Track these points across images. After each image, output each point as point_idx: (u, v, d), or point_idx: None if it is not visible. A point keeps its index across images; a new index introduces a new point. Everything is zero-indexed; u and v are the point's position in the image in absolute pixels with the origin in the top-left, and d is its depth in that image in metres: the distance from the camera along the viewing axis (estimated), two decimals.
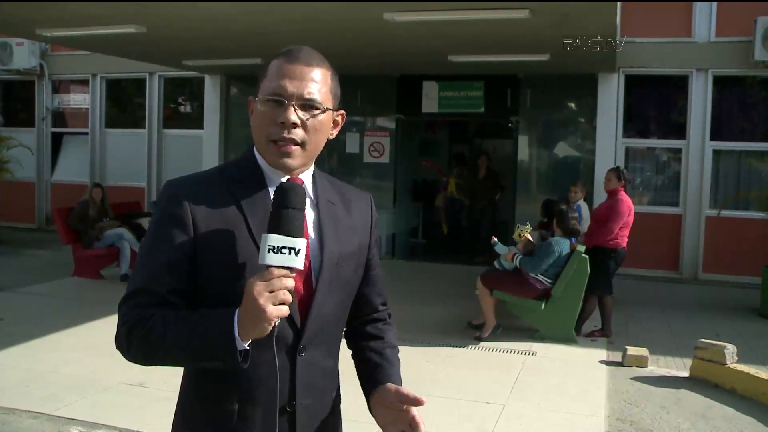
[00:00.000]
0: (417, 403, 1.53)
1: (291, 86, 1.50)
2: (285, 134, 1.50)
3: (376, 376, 1.69)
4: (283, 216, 1.39)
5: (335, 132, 1.63)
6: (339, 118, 1.63)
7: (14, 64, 13.16)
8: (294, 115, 1.49)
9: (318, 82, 1.53)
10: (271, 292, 1.34)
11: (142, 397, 4.84)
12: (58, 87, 14.04)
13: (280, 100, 1.50)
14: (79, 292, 8.47)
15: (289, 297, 1.36)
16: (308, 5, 6.18)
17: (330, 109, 1.57)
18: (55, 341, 6.23)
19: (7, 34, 11.90)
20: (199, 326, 1.41)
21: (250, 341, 1.39)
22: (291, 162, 1.53)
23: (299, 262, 1.38)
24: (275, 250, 1.36)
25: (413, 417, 1.54)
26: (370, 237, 1.74)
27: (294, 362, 1.54)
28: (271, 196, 1.54)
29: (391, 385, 1.62)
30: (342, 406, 1.74)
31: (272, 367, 1.48)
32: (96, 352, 5.77)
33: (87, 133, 13.59)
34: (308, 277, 1.53)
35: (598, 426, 4.71)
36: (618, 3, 6.35)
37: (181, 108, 13.65)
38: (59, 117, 14.09)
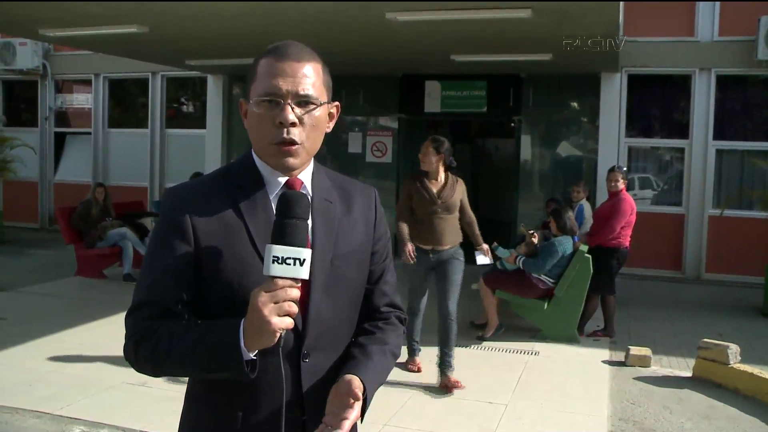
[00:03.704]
0: (350, 396, 1.44)
1: (284, 84, 1.47)
2: (284, 135, 1.47)
3: (347, 367, 1.56)
4: (287, 226, 1.37)
5: (331, 125, 1.61)
6: (334, 111, 1.60)
7: (17, 64, 13.19)
8: (291, 114, 1.47)
9: (311, 77, 1.50)
10: (275, 303, 1.32)
11: (145, 397, 4.85)
12: (61, 87, 14.06)
13: (275, 100, 1.47)
14: (81, 291, 8.48)
15: (294, 308, 1.34)
16: (310, 5, 6.18)
17: (325, 103, 1.54)
18: (58, 341, 6.24)
19: (10, 34, 11.91)
20: (205, 338, 1.40)
21: (257, 351, 1.38)
22: (293, 161, 1.51)
23: (304, 273, 1.36)
24: (280, 261, 1.34)
25: (344, 419, 1.42)
26: (374, 232, 1.69)
27: (298, 368, 1.52)
28: (271, 200, 1.52)
29: (349, 376, 1.50)
30: None
31: (276, 375, 1.45)
32: (99, 351, 5.77)
33: (90, 133, 13.61)
34: (305, 281, 1.48)
35: (601, 426, 4.71)
36: (621, 3, 6.34)
37: (184, 108, 13.66)
38: (62, 117, 14.11)
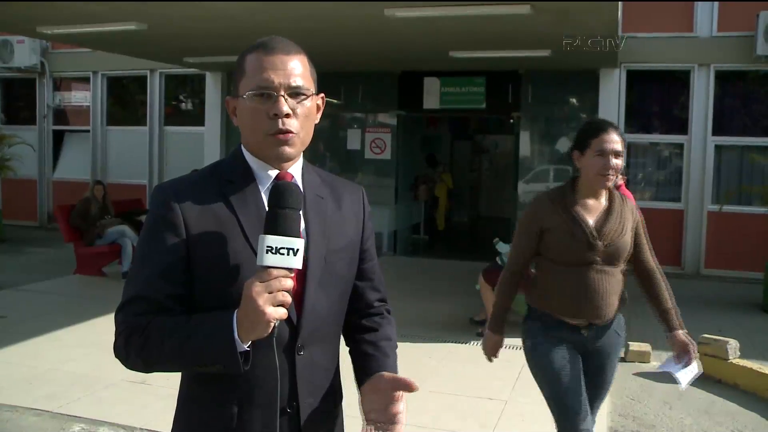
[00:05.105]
0: (411, 388, 1.51)
1: (276, 77, 1.49)
2: (280, 126, 1.49)
3: (370, 366, 1.65)
4: (280, 216, 1.38)
5: (319, 116, 1.63)
6: (320, 102, 1.63)
7: (15, 61, 13.16)
8: (285, 105, 1.49)
9: (300, 69, 1.53)
10: (269, 293, 1.33)
11: (144, 395, 4.86)
12: (60, 85, 14.04)
13: (269, 93, 1.49)
14: (81, 289, 8.47)
15: (288, 298, 1.36)
16: (309, 3, 6.17)
17: (313, 94, 1.57)
18: (57, 338, 6.24)
19: (8, 31, 11.89)
20: (197, 331, 1.40)
21: (250, 342, 1.38)
22: (290, 150, 1.52)
23: (297, 262, 1.37)
24: (273, 251, 1.35)
25: (397, 413, 1.51)
26: (363, 230, 1.72)
27: (293, 362, 1.53)
28: (262, 195, 1.53)
29: (386, 373, 1.59)
30: (343, 402, 1.73)
31: (271, 368, 1.46)
32: (98, 349, 5.77)
33: (88, 131, 13.60)
34: (300, 275, 1.50)
35: (601, 422, 4.70)
36: (620, 1, 6.35)
37: (183, 105, 13.65)
38: (60, 115, 14.09)
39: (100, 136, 13.54)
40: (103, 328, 6.50)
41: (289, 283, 1.36)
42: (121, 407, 4.66)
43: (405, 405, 1.53)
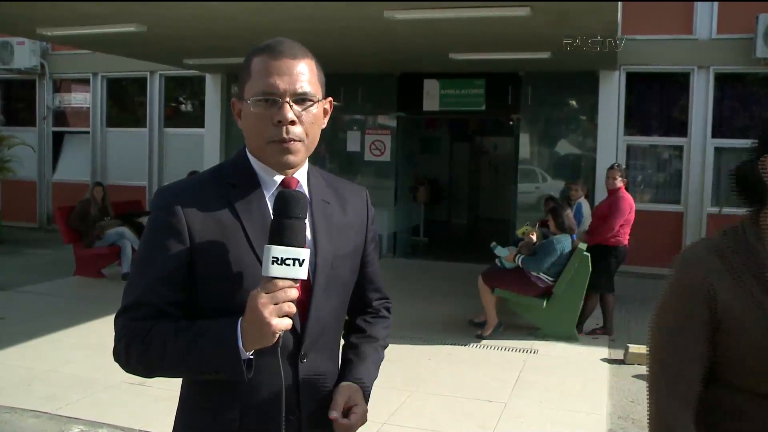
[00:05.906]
0: (330, 415, 1.53)
1: (282, 83, 1.45)
2: (284, 134, 1.46)
3: (343, 372, 1.66)
4: (286, 226, 1.36)
5: (326, 121, 1.60)
6: (328, 106, 1.60)
7: (15, 63, 13.16)
8: (290, 112, 1.45)
9: (306, 74, 1.48)
10: (275, 304, 1.32)
11: (143, 396, 4.85)
12: (59, 86, 14.04)
13: (274, 99, 1.46)
14: (80, 291, 8.47)
15: (293, 308, 1.35)
16: (309, 4, 6.18)
17: (321, 99, 1.54)
18: (57, 340, 6.24)
19: (8, 33, 11.89)
20: (201, 338, 1.39)
21: (253, 351, 1.38)
22: (293, 159, 1.50)
23: (303, 273, 1.36)
24: (279, 262, 1.33)
25: (348, 425, 1.53)
26: (366, 234, 1.70)
27: (296, 369, 1.52)
28: (267, 200, 1.51)
29: (341, 385, 1.61)
30: None
31: (275, 376, 1.45)
32: (97, 350, 5.76)
33: (88, 132, 13.60)
34: (305, 283, 1.48)
35: (600, 424, 4.71)
36: (619, 2, 6.35)
37: (182, 107, 13.65)
38: (60, 116, 14.09)
39: (99, 137, 13.54)
40: (103, 329, 6.49)
41: (295, 293, 1.35)
42: (121, 409, 4.66)
43: (355, 420, 1.55)
